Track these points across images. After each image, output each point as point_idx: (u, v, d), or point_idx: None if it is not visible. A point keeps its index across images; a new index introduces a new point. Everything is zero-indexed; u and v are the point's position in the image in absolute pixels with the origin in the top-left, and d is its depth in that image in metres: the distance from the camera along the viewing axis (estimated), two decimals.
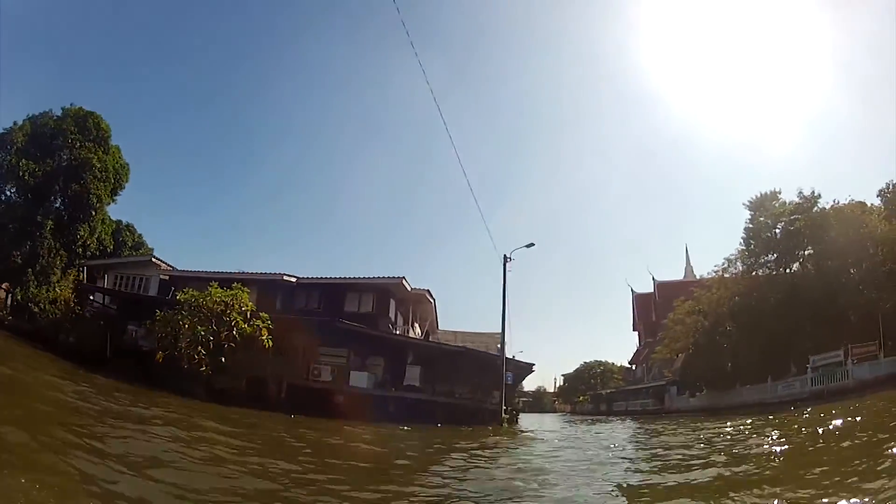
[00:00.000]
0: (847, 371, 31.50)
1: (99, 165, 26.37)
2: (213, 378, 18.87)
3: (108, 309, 25.45)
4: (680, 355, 45.36)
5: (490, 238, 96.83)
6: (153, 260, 26.26)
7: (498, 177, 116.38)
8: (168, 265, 26.56)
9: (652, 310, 54.59)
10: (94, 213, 26.56)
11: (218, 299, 19.86)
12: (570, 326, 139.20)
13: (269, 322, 20.16)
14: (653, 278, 56.32)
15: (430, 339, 32.63)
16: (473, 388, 24.00)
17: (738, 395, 40.88)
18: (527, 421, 34.06)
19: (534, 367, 28.98)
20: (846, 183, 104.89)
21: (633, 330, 64.51)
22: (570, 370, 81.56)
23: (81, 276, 26.73)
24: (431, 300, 29.78)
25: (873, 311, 33.51)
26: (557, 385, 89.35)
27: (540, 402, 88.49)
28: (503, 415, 23.35)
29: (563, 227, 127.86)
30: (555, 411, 71.50)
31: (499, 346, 35.39)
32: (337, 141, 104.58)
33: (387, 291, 26.07)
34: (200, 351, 18.52)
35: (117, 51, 75.48)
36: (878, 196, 37.89)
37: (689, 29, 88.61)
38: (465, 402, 23.52)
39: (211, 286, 20.30)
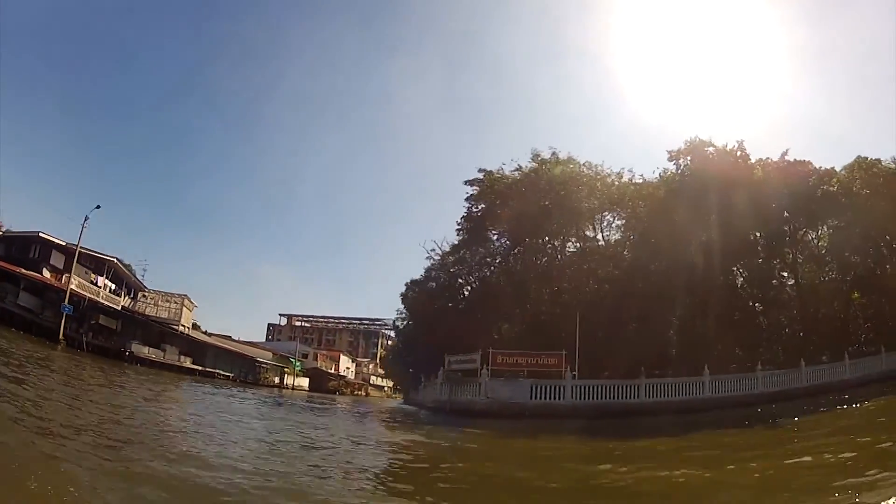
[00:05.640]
0: (480, 385, 24.40)
1: None
2: None
3: None
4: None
5: None
6: None
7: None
8: None
9: None
10: None
11: None
12: None
13: None
14: None
15: (129, 296, 43.10)
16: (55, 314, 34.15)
17: (423, 393, 40.18)
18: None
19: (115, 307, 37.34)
20: None
21: None
22: None
23: None
24: (111, 259, 40.34)
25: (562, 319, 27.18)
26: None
27: None
28: (61, 336, 32.91)
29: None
30: None
31: (184, 308, 44.29)
32: None
33: (48, 245, 37.49)
34: None
35: None
36: (669, 159, 30.89)
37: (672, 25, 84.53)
38: (48, 324, 33.75)
39: None
